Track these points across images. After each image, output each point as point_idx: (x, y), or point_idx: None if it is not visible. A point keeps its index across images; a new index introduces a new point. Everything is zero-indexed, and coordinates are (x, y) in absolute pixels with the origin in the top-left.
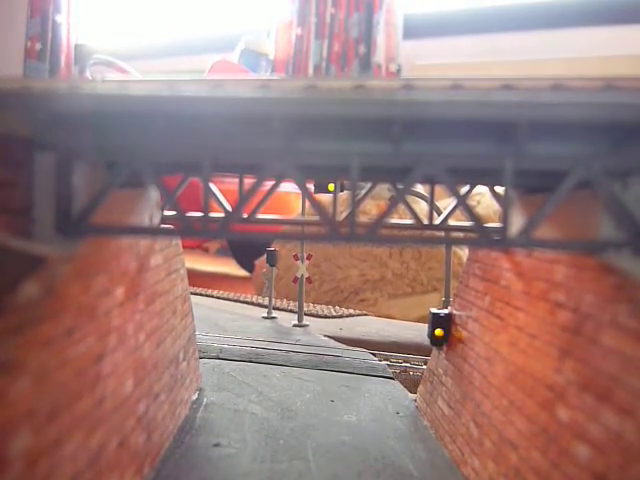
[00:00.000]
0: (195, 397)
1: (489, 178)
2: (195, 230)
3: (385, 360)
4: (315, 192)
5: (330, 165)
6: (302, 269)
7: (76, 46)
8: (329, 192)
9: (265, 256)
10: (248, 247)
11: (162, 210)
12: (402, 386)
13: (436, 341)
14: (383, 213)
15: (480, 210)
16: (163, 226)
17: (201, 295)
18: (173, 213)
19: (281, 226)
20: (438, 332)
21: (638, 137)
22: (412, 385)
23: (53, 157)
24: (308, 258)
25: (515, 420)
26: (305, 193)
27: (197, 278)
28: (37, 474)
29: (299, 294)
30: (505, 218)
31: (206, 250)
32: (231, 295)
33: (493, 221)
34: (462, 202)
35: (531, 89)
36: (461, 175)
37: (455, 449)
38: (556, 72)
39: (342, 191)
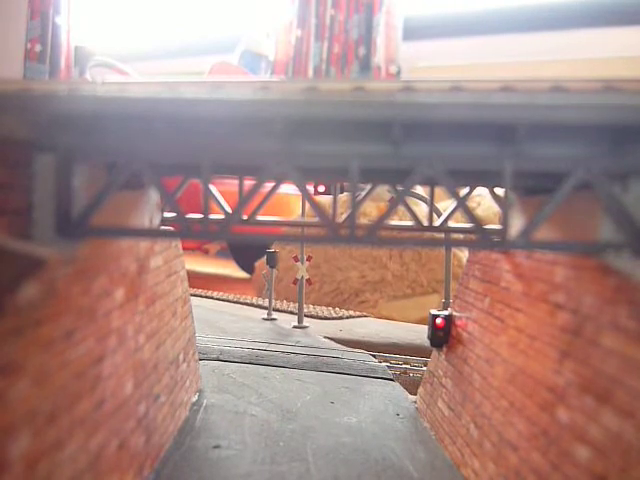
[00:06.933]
0: (195, 399)
1: (489, 180)
2: (195, 232)
3: (385, 362)
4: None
5: (330, 167)
6: (302, 271)
7: (76, 48)
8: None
9: (265, 258)
10: (248, 249)
11: (162, 212)
12: (402, 387)
13: (436, 342)
14: (383, 215)
15: (480, 212)
16: (163, 228)
17: (201, 297)
18: (173, 215)
19: (281, 228)
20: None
21: (638, 138)
22: (412, 386)
23: (53, 159)
24: (308, 260)
25: (515, 421)
26: (305, 195)
27: (197, 280)
28: (37, 475)
29: (299, 295)
30: (505, 220)
31: (206, 252)
32: (231, 297)
33: (493, 223)
34: (462, 204)
35: (531, 91)
36: (461, 177)
37: (455, 450)
38: (557, 74)
39: (342, 193)
